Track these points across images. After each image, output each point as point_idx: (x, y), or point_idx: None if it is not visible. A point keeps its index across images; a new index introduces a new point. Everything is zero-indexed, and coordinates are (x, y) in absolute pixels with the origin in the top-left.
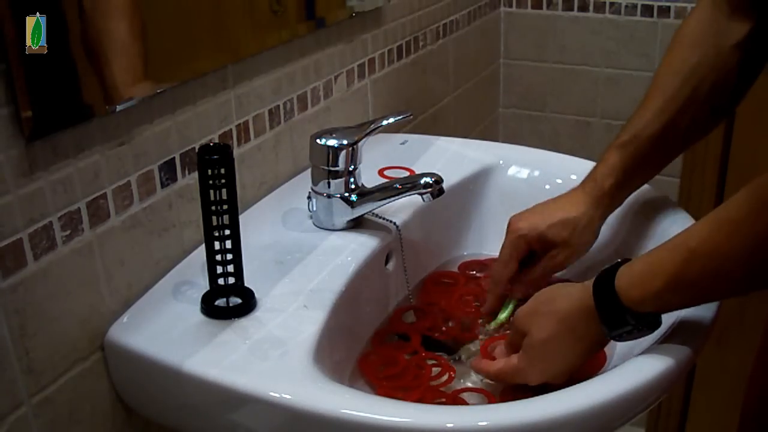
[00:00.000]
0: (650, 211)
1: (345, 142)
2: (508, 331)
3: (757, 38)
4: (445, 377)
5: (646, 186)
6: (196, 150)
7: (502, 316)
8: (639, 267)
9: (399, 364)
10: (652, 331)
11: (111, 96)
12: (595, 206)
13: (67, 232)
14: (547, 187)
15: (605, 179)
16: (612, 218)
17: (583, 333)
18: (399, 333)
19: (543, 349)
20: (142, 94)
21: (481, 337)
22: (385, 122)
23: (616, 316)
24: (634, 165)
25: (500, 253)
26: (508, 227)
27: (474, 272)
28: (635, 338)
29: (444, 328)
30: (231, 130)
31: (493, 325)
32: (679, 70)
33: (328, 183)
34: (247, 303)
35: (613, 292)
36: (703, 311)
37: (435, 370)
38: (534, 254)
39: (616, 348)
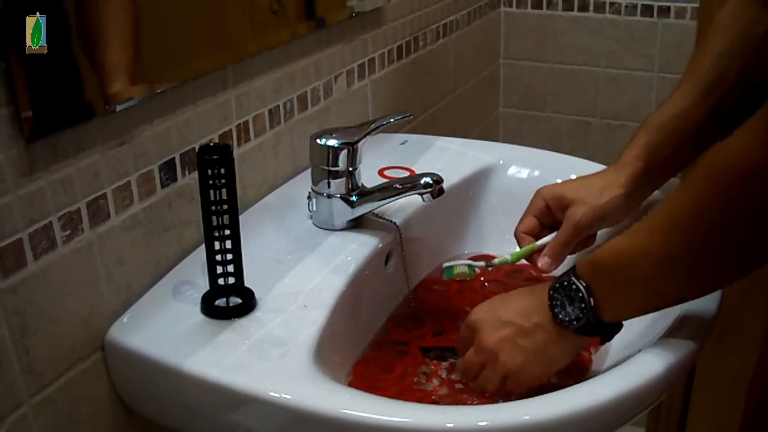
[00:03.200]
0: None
1: (345, 142)
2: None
3: None
4: (436, 383)
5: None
6: (196, 150)
7: (509, 256)
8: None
9: (394, 372)
10: (580, 310)
11: (111, 96)
12: (617, 172)
13: (67, 232)
14: None
15: (629, 152)
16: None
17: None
18: (396, 341)
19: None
20: (142, 94)
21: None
22: (385, 122)
23: (560, 280)
24: (658, 141)
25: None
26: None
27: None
28: (564, 311)
29: (442, 334)
30: (231, 130)
31: (498, 260)
32: (710, 52)
33: (328, 183)
34: (247, 303)
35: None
36: (704, 310)
37: (432, 382)
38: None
39: (612, 347)
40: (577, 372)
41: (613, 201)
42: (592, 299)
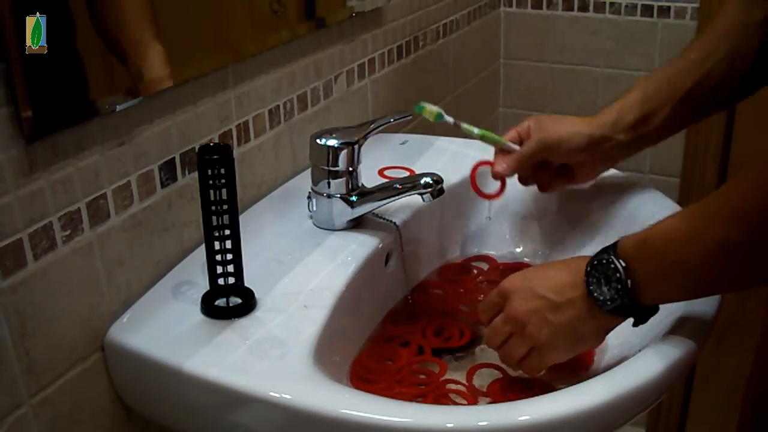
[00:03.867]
0: (656, 216)
1: (345, 142)
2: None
3: None
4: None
5: (651, 189)
6: (196, 150)
7: (477, 130)
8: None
9: (394, 364)
10: (616, 290)
11: (111, 96)
12: (592, 118)
13: (67, 232)
14: None
15: (609, 106)
16: (615, 223)
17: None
18: (395, 337)
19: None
20: (142, 94)
21: None
22: (385, 122)
23: (599, 256)
24: (636, 104)
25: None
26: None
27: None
28: (602, 290)
29: (444, 334)
30: (231, 130)
31: (464, 126)
32: (705, 38)
33: (328, 183)
34: (247, 303)
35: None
36: (704, 311)
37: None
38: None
39: (610, 346)
40: (580, 368)
41: (575, 137)
42: (630, 281)
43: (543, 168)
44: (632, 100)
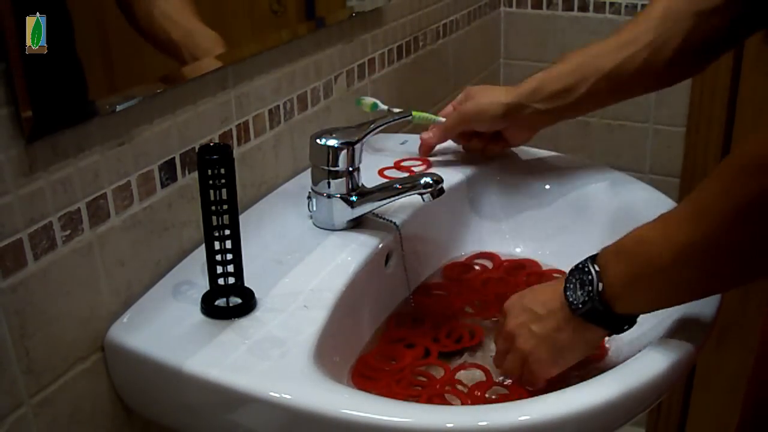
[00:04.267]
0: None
1: (345, 142)
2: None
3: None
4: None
5: (651, 189)
6: (196, 150)
7: (411, 113)
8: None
9: (397, 364)
10: (588, 293)
11: (111, 96)
12: (513, 87)
13: (67, 232)
14: (547, 187)
15: (533, 75)
16: (616, 222)
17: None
18: (400, 339)
19: (548, 340)
20: (142, 94)
21: None
22: (385, 122)
23: (577, 267)
24: (560, 78)
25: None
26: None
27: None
28: (577, 294)
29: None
30: (231, 130)
31: (397, 110)
32: (651, 17)
33: (328, 183)
34: (247, 303)
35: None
36: (704, 311)
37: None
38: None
39: (614, 347)
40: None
41: (493, 106)
42: (600, 284)
43: (478, 135)
44: (556, 72)
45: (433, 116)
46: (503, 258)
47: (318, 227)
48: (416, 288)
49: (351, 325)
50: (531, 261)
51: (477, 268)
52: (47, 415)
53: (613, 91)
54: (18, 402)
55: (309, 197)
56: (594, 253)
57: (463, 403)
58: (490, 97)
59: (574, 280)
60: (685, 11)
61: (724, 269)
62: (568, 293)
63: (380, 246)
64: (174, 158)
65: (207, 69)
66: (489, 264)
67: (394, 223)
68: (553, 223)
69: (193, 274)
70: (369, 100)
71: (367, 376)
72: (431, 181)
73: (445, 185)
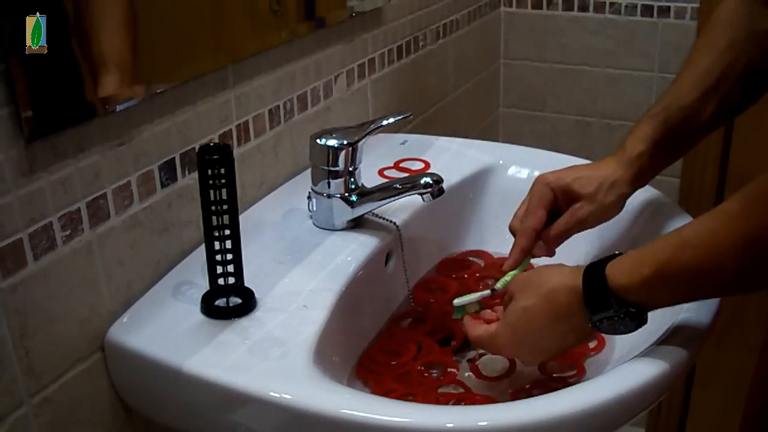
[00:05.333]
0: (656, 216)
1: (345, 142)
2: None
3: None
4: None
5: (651, 189)
6: (196, 150)
7: (508, 277)
8: (631, 255)
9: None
10: (636, 324)
11: (111, 96)
12: (624, 168)
13: (67, 232)
14: None
15: (635, 146)
16: (615, 222)
17: (563, 312)
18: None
19: (521, 317)
20: (142, 94)
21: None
22: (385, 122)
23: (600, 298)
24: (665, 135)
25: (527, 204)
26: (533, 183)
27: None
28: (615, 330)
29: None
30: (231, 130)
31: (500, 284)
32: (714, 47)
33: (328, 183)
34: (247, 303)
35: (602, 274)
36: (703, 311)
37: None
38: (556, 214)
39: (615, 347)
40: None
41: (619, 199)
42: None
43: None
44: (651, 132)
45: (527, 259)
46: (496, 256)
47: (318, 227)
48: (415, 287)
49: (351, 325)
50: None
51: (473, 266)
52: (47, 415)
53: (714, 128)
54: (18, 402)
55: (309, 197)
56: (597, 254)
57: (466, 396)
58: (606, 192)
59: (608, 319)
60: (762, 29)
61: (742, 281)
62: (594, 317)
63: (380, 246)
64: (174, 158)
65: (207, 69)
66: (481, 262)
67: (394, 223)
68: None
69: (193, 274)
70: (473, 306)
71: (370, 370)
72: (431, 181)
73: (445, 185)
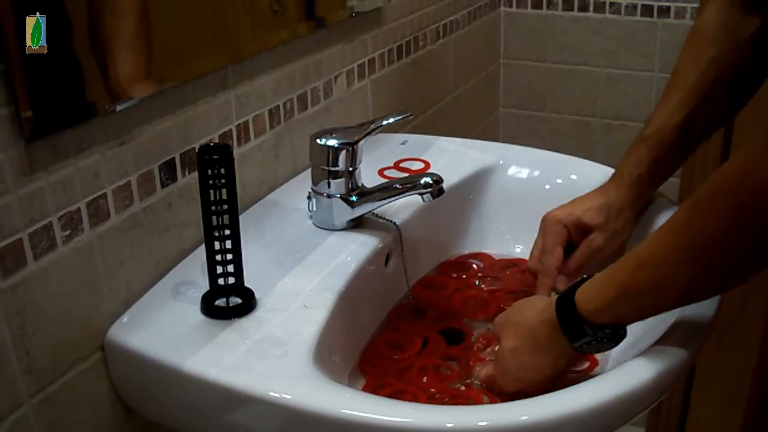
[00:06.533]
0: (656, 216)
1: (345, 142)
2: None
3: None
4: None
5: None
6: (196, 150)
7: None
8: (597, 279)
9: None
10: (615, 342)
11: (111, 96)
12: (625, 193)
13: (67, 232)
14: (547, 187)
15: (633, 170)
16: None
17: (546, 344)
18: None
19: (511, 358)
20: (143, 94)
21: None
22: (385, 122)
23: (574, 327)
24: (660, 156)
25: (542, 244)
26: (542, 221)
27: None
28: (598, 350)
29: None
30: (231, 130)
31: None
32: (697, 63)
33: (328, 183)
34: (247, 303)
35: (572, 303)
36: (703, 311)
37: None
38: (570, 246)
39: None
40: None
41: (628, 225)
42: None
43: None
44: (645, 154)
45: (554, 294)
46: (497, 258)
47: (318, 227)
48: (415, 286)
49: (351, 324)
50: (523, 260)
51: (474, 267)
52: (47, 415)
53: (707, 129)
54: (18, 402)
55: (309, 197)
56: None
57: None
58: (615, 219)
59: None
60: (743, 36)
61: (694, 292)
62: (574, 344)
63: (380, 246)
64: (174, 158)
65: (207, 69)
66: (481, 264)
67: (394, 223)
68: None
69: (193, 274)
70: None
71: (373, 364)
72: (431, 181)
73: (445, 185)
